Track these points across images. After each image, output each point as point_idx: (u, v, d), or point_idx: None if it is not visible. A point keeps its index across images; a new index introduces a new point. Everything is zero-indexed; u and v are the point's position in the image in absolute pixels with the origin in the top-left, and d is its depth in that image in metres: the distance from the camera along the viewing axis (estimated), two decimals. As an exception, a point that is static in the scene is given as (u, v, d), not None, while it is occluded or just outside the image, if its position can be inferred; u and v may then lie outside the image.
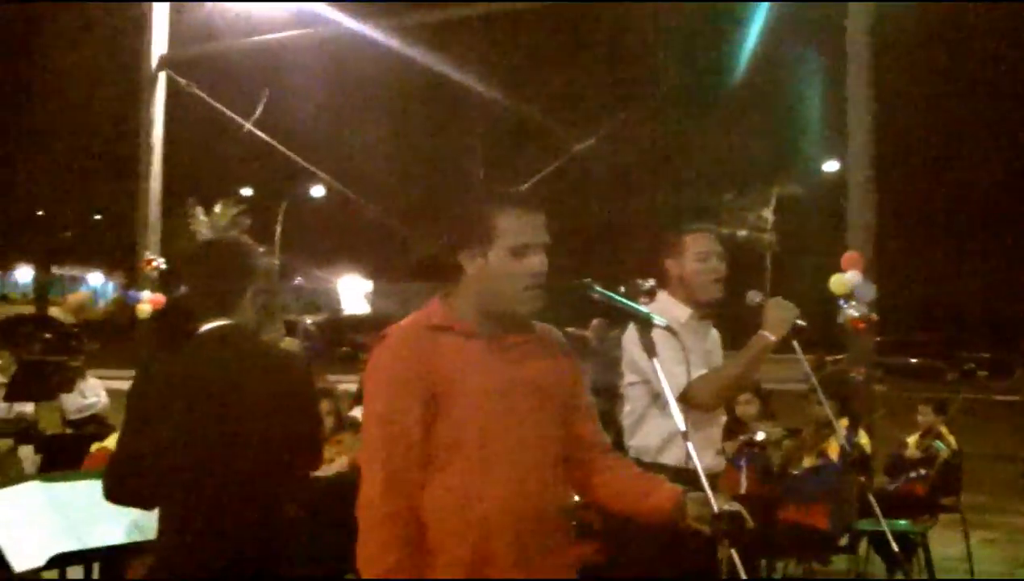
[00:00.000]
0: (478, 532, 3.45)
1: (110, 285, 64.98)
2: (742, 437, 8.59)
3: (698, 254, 5.17)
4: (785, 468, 8.65)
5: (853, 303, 11.36)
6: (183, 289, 4.20)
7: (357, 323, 39.76)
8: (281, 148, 18.38)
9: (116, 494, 4.14)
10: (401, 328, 3.62)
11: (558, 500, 3.66)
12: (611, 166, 29.48)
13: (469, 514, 3.45)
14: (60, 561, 4.80)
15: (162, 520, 4.02)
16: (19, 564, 4.73)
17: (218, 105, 17.83)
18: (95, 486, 4.94)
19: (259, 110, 18.02)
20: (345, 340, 38.56)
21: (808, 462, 8.72)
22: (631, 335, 5.04)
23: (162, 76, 18.06)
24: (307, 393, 4.40)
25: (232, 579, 3.92)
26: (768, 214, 32.91)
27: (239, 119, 17.85)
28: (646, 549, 4.62)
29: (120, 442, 4.18)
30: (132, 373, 4.17)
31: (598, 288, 3.70)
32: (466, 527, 3.45)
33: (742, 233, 32.99)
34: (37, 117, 37.05)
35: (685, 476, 4.16)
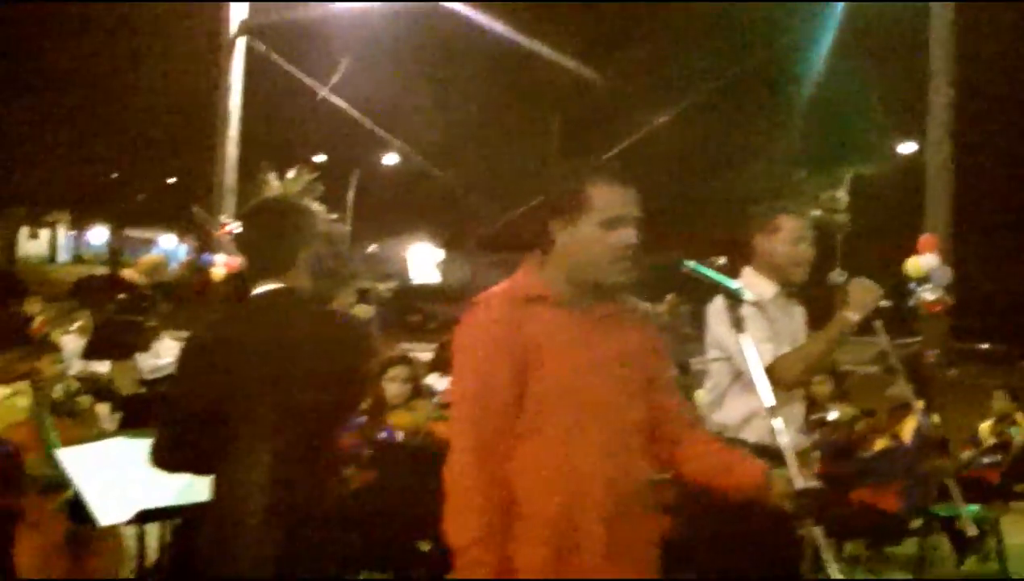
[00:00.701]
0: (565, 502, 3.47)
1: (182, 248, 65.53)
2: (814, 416, 8.55)
3: (790, 236, 5.17)
4: (857, 449, 8.60)
5: (928, 286, 11.24)
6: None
7: (427, 292, 39.84)
8: (357, 115, 18.43)
9: (165, 462, 4.05)
10: (491, 297, 3.63)
11: (643, 472, 3.68)
12: (686, 143, 29.30)
13: (556, 484, 3.47)
14: (144, 517, 4.87)
15: (217, 485, 3.99)
16: (104, 518, 4.82)
17: (296, 71, 17.92)
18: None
19: (336, 77, 18.10)
20: (415, 308, 38.68)
21: (881, 444, 8.67)
22: (716, 311, 5.05)
23: (241, 42, 18.16)
24: (362, 356, 4.36)
25: (289, 543, 3.91)
26: (841, 194, 32.52)
27: (316, 85, 17.93)
28: (722, 526, 4.63)
29: (169, 406, 4.07)
30: None
31: (689, 263, 3.70)
32: (553, 497, 3.47)
33: (815, 213, 32.69)
34: (115, 81, 37.35)
35: (765, 453, 4.17)
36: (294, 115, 31.31)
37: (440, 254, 47.86)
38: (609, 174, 3.59)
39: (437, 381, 9.92)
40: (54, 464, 6.19)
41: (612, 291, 3.66)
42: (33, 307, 13.63)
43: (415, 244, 50.91)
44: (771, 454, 4.10)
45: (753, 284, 5.02)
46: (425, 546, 7.70)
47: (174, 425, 3.96)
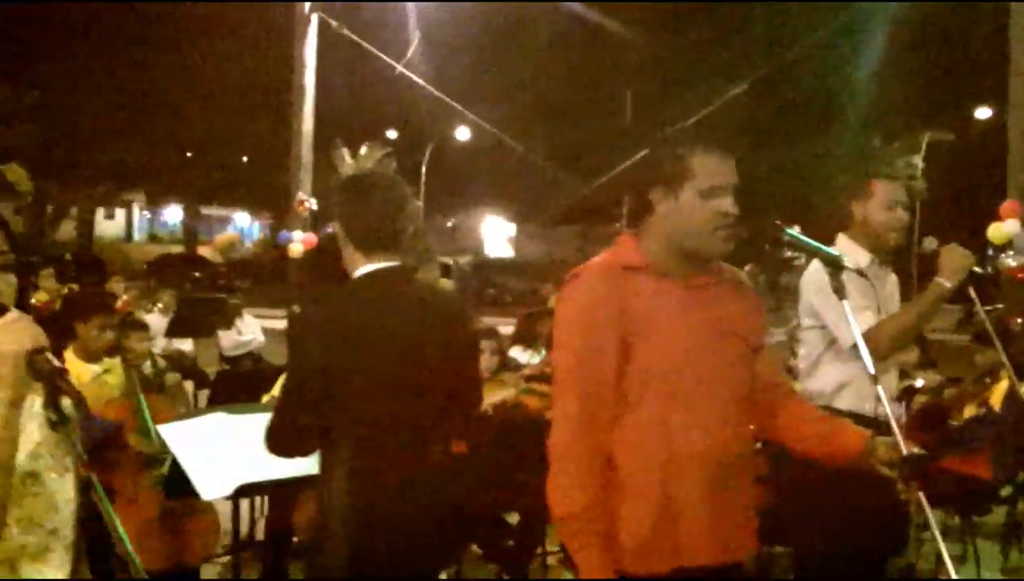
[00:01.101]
0: (667, 471, 3.47)
1: (255, 226, 66.07)
2: (903, 384, 8.47)
3: (885, 201, 5.12)
4: (946, 416, 8.52)
5: (1011, 253, 11.11)
6: (334, 226, 3.95)
7: (501, 266, 39.98)
8: (432, 89, 18.47)
9: (280, 449, 4.04)
10: (593, 267, 3.62)
11: (745, 441, 3.68)
12: (762, 112, 29.10)
13: (659, 452, 3.47)
14: (245, 491, 4.93)
15: (328, 463, 3.95)
16: (207, 492, 4.87)
17: (370, 47, 17.98)
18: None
19: (410, 53, 18.15)
20: (491, 282, 38.78)
21: (969, 411, 8.58)
22: (812, 279, 5.03)
23: (315, 17, 18.25)
24: (469, 332, 4.36)
25: (403, 522, 3.93)
26: (918, 161, 32.03)
27: (391, 61, 17.98)
28: (825, 494, 4.62)
29: (285, 390, 4.03)
30: (283, 312, 4.08)
31: (789, 230, 3.68)
32: (655, 465, 3.47)
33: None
34: (187, 60, 37.68)
35: (860, 421, 4.17)
36: (365, 91, 31.43)
37: (512, 228, 47.89)
38: (709, 143, 3.58)
39: (520, 354, 9.96)
40: (149, 440, 6.29)
41: (712, 260, 3.66)
42: (116, 286, 13.82)
43: (487, 218, 51.00)
44: (865, 422, 4.10)
45: (848, 251, 4.97)
46: (512, 518, 7.76)
47: (291, 411, 3.91)
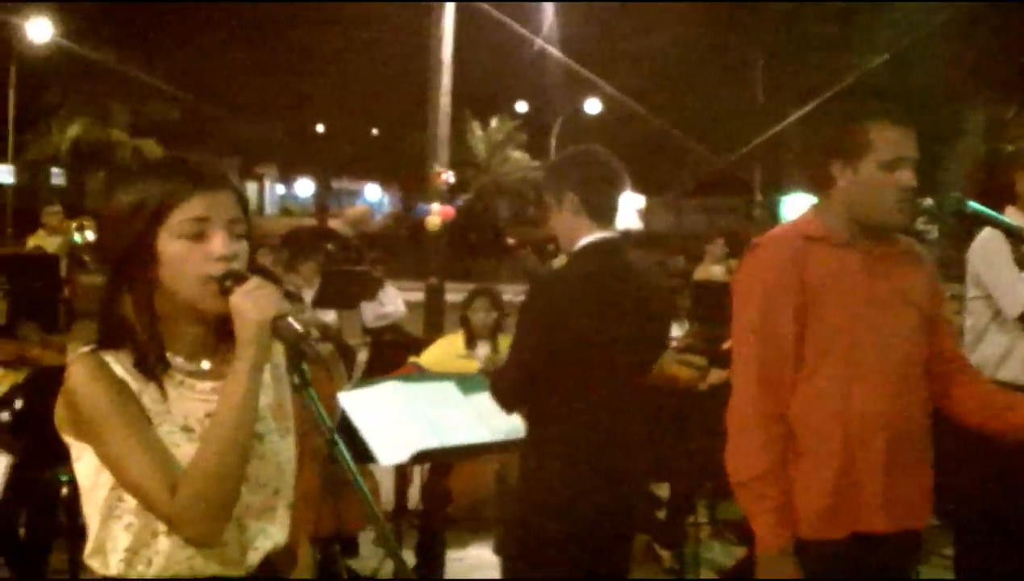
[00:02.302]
0: (846, 439, 3.51)
1: (385, 198, 66.55)
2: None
3: None
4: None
5: None
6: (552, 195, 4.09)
7: (634, 239, 39.93)
8: (569, 61, 18.50)
9: (506, 399, 4.22)
10: (772, 237, 3.69)
11: (922, 410, 3.69)
12: (903, 84, 28.61)
13: (837, 421, 3.51)
14: (421, 458, 5.03)
15: (540, 426, 4.12)
16: (385, 458, 4.98)
17: (508, 20, 18.05)
18: (449, 388, 5.19)
19: (546, 27, 18.18)
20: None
21: None
22: (983, 249, 5.00)
23: (451, -9, 18.34)
24: (670, 303, 4.49)
25: (610, 490, 4.06)
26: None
27: (530, 35, 18.03)
28: (1000, 468, 4.61)
29: (514, 349, 4.18)
30: (418, 284, 4.20)
31: (972, 203, 3.66)
32: (834, 433, 3.51)
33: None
34: (322, 34, 38.03)
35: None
36: (495, 64, 31.53)
37: (641, 200, 47.80)
38: (889, 115, 3.59)
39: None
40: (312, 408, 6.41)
41: (892, 231, 3.67)
42: (263, 259, 14.03)
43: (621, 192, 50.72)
44: (1024, 393, 4.08)
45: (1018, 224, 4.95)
46: (664, 488, 7.80)
47: (526, 361, 4.07)
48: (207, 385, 2.50)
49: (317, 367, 2.36)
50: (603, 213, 4.16)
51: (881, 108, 3.65)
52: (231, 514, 2.42)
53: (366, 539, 7.16)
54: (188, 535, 2.39)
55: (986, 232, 4.90)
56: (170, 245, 2.41)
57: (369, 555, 7.18)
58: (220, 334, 2.51)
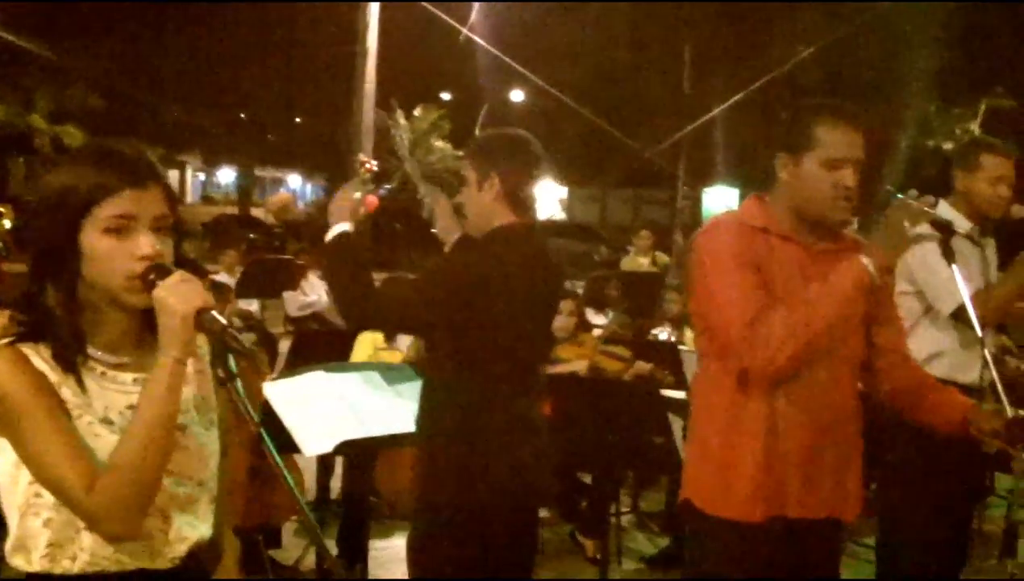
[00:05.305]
0: (772, 425, 3.59)
1: (308, 187, 66.19)
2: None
3: (991, 175, 5.13)
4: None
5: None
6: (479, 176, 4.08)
7: (553, 228, 39.84)
8: (496, 52, 18.48)
9: (373, 318, 4.29)
10: (723, 221, 3.79)
11: (853, 403, 3.76)
12: (825, 77, 28.86)
13: (766, 407, 3.59)
14: (345, 447, 5.01)
15: (443, 408, 4.11)
16: (309, 449, 4.96)
17: (435, 11, 17.99)
18: (373, 377, 5.18)
19: (473, 16, 18.15)
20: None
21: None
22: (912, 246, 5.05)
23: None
24: (563, 291, 4.61)
25: (516, 452, 4.09)
26: (975, 127, 31.69)
27: (456, 24, 17.98)
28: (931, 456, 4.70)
29: (413, 288, 4.18)
30: None
31: (899, 194, 3.72)
32: (761, 418, 3.60)
33: (947, 146, 32.04)
34: (242, 21, 37.69)
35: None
36: (419, 53, 31.41)
37: (564, 191, 47.92)
38: (837, 114, 3.64)
39: (593, 316, 10.00)
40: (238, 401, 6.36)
41: (833, 227, 3.72)
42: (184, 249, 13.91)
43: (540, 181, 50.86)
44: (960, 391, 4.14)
45: (951, 218, 5.01)
46: (587, 478, 7.84)
47: (412, 309, 4.06)
48: (129, 377, 2.48)
49: (242, 358, 2.35)
50: (522, 204, 4.19)
51: (832, 107, 3.70)
52: (147, 510, 2.40)
53: (288, 529, 7.14)
54: (105, 531, 2.37)
55: (919, 228, 4.96)
56: (94, 240, 2.38)
57: (291, 545, 7.16)
58: (144, 326, 2.49)
